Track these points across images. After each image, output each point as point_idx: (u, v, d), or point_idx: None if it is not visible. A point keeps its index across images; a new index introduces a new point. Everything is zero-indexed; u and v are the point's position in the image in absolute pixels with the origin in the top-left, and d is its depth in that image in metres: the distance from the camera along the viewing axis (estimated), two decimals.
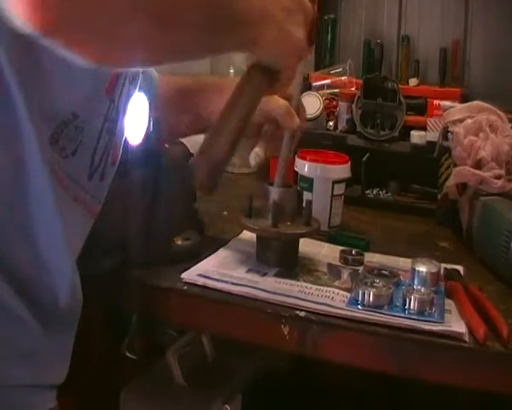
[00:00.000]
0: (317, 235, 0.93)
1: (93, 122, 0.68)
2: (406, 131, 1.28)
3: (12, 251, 0.60)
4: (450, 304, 0.78)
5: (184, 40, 0.55)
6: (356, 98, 1.29)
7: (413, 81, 1.42)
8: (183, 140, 1.02)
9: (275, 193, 0.86)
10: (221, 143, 0.65)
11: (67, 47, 0.48)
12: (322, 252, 0.94)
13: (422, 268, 0.82)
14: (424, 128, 1.26)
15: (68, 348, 0.69)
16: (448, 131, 1.13)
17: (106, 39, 0.49)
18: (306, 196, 0.97)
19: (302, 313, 0.74)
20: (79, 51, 0.48)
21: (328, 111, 1.37)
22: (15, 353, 0.61)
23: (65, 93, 0.62)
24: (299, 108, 0.91)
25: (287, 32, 0.65)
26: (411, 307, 0.75)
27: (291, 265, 0.87)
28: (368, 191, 1.28)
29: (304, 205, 0.88)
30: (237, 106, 0.67)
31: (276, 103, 0.88)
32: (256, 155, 0.91)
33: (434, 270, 0.82)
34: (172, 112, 0.98)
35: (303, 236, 0.88)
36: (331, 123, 1.36)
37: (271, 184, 0.87)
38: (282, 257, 0.87)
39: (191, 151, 0.95)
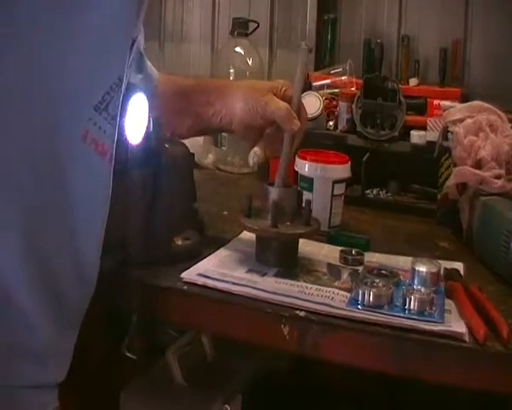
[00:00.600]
0: (317, 235, 0.93)
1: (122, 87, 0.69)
2: (406, 131, 1.28)
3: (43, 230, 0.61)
4: (450, 304, 0.78)
5: None
6: (356, 98, 1.29)
7: (413, 81, 1.42)
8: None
9: (275, 193, 0.86)
10: None
11: None
12: (322, 252, 0.94)
13: (422, 268, 0.82)
14: (424, 128, 1.26)
15: (71, 345, 0.69)
16: (448, 131, 1.13)
17: None
18: (306, 196, 0.97)
19: (302, 313, 0.74)
20: None
21: (328, 111, 1.37)
22: (19, 352, 0.61)
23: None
24: (300, 109, 0.91)
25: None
26: (411, 307, 0.75)
27: (291, 265, 0.87)
28: (368, 191, 1.28)
29: (303, 205, 0.88)
30: None
31: (275, 106, 0.89)
32: (255, 154, 0.91)
33: (434, 270, 0.82)
34: (172, 111, 0.97)
35: (302, 236, 0.88)
36: (331, 123, 1.36)
37: (271, 184, 0.87)
38: (281, 257, 0.87)
39: (191, 151, 0.95)
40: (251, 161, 0.91)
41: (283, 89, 0.91)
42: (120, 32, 0.64)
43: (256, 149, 0.91)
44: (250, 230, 0.86)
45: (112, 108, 0.65)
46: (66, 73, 0.60)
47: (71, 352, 0.69)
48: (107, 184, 0.69)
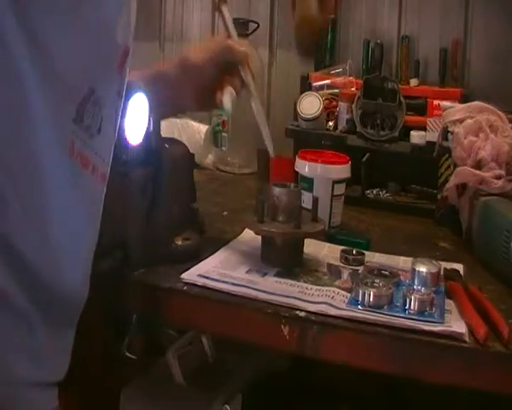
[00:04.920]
0: (319, 235, 0.93)
1: (109, 98, 0.67)
2: (406, 131, 1.28)
3: (20, 231, 0.58)
4: (450, 304, 0.78)
5: None
6: (356, 98, 1.29)
7: (414, 81, 1.42)
8: (183, 140, 1.02)
9: (283, 194, 0.86)
10: None
11: None
12: (323, 252, 0.94)
13: (422, 268, 0.82)
14: (424, 128, 1.26)
15: (69, 344, 0.68)
16: (448, 132, 1.13)
17: None
18: (307, 196, 0.98)
19: (302, 314, 0.74)
20: None
21: (328, 111, 1.37)
22: (15, 347, 0.61)
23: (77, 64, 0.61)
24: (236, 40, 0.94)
25: None
26: (411, 307, 0.75)
27: (296, 264, 0.87)
28: (368, 191, 1.28)
29: (302, 204, 0.89)
30: None
31: (215, 46, 0.92)
32: (230, 93, 0.90)
33: (434, 270, 0.82)
34: None
35: (308, 236, 0.88)
36: (331, 123, 1.36)
37: (276, 185, 0.88)
38: (287, 257, 0.87)
39: (191, 151, 0.95)
40: (228, 104, 0.90)
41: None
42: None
43: (228, 89, 0.91)
44: (255, 230, 0.86)
45: (88, 121, 0.63)
46: (43, 87, 0.59)
47: (68, 351, 0.68)
48: (93, 199, 0.68)
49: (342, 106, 1.33)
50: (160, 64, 1.04)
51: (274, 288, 0.79)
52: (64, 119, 0.61)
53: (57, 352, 0.66)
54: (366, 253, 0.92)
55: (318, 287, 0.81)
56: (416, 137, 1.27)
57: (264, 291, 0.78)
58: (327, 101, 1.37)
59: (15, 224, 0.58)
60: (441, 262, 0.85)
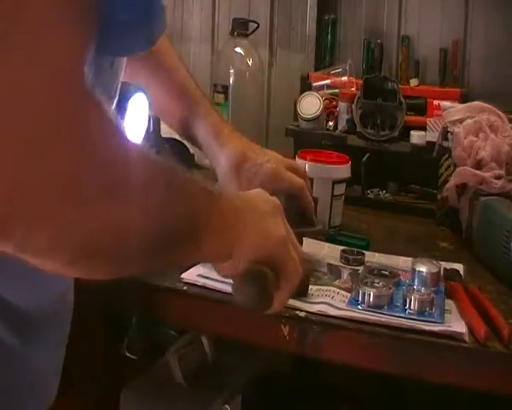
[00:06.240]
0: (319, 235, 0.93)
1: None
2: (406, 131, 1.28)
3: None
4: (450, 304, 0.78)
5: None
6: (356, 98, 1.29)
7: (414, 82, 1.42)
8: (183, 140, 1.02)
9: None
10: None
11: None
12: (323, 252, 0.94)
13: (422, 268, 0.82)
14: (424, 128, 1.26)
15: (61, 363, 0.65)
16: (448, 132, 1.13)
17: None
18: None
19: (302, 314, 0.74)
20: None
21: (328, 111, 1.37)
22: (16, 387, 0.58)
23: None
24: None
25: (266, 234, 0.61)
26: (411, 307, 0.75)
27: None
28: (368, 191, 1.28)
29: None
30: None
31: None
32: None
33: (434, 270, 0.82)
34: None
35: (305, 234, 0.88)
36: (331, 123, 1.36)
37: None
38: None
39: (191, 151, 0.95)
40: None
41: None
42: None
43: None
44: None
45: None
46: None
47: (59, 372, 0.66)
48: None
49: (342, 106, 1.33)
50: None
51: None
52: None
53: (52, 377, 0.65)
54: (366, 253, 0.92)
55: (318, 287, 0.81)
56: (416, 137, 1.27)
57: None
58: (327, 101, 1.37)
59: None
60: (441, 262, 0.85)
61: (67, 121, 0.41)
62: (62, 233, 0.42)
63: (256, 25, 1.47)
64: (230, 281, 0.80)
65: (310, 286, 0.81)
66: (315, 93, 1.34)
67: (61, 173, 0.40)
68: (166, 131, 1.06)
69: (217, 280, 0.81)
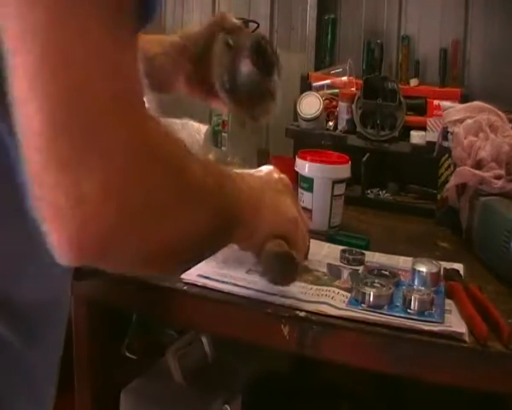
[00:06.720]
0: (317, 235, 0.93)
1: None
2: (406, 131, 1.28)
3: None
4: (450, 304, 0.78)
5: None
6: (356, 98, 1.29)
7: (414, 81, 1.42)
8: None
9: None
10: None
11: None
12: (323, 252, 0.94)
13: (422, 268, 0.82)
14: (424, 128, 1.26)
15: (54, 369, 0.64)
16: (448, 132, 1.13)
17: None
18: (307, 196, 0.98)
19: (302, 313, 0.74)
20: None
21: (328, 111, 1.37)
22: (15, 391, 0.57)
23: None
24: None
25: (281, 213, 0.70)
26: (411, 307, 0.75)
27: None
28: (368, 191, 1.28)
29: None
30: None
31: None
32: None
33: (434, 270, 0.82)
34: None
35: None
36: (331, 123, 1.36)
37: None
38: None
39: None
40: None
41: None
42: None
43: None
44: None
45: None
46: None
47: (56, 381, 0.65)
48: None
49: (342, 106, 1.33)
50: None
51: (274, 288, 0.79)
52: None
53: (49, 383, 0.64)
54: (366, 253, 0.92)
55: (318, 287, 0.81)
56: (416, 137, 1.27)
57: (264, 291, 0.78)
58: (327, 101, 1.37)
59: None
60: (441, 262, 0.85)
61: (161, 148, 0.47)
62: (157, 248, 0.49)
63: (256, 25, 1.47)
64: (230, 281, 0.81)
65: (310, 286, 0.81)
66: (315, 93, 1.35)
67: (157, 192, 0.46)
68: None
69: (217, 280, 0.81)
